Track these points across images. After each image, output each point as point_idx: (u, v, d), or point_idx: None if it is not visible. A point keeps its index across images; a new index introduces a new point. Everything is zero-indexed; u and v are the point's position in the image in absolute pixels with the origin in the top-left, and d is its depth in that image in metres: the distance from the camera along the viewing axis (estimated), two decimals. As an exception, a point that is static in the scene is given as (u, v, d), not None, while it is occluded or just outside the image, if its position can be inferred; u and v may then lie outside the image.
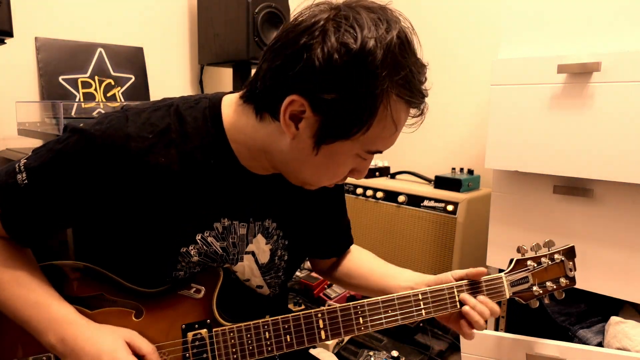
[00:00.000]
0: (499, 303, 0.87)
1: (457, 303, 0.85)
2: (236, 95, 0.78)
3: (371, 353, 1.60)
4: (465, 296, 0.84)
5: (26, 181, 0.72)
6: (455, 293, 0.85)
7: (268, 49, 0.70)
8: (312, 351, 1.06)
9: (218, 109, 0.77)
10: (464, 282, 0.86)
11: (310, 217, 0.92)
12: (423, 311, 0.83)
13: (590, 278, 1.38)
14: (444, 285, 0.85)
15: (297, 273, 2.08)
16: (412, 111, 0.71)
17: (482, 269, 0.85)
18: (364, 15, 0.64)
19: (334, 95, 0.64)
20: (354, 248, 1.08)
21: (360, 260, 1.03)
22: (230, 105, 0.78)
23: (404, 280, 0.91)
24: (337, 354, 1.63)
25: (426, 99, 0.72)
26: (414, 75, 0.67)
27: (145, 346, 0.74)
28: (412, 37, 0.68)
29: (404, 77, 0.65)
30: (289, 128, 0.69)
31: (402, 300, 0.82)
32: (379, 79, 0.63)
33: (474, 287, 0.86)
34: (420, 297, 0.83)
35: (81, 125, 0.73)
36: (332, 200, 0.98)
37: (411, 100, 0.68)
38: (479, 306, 0.83)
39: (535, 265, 0.89)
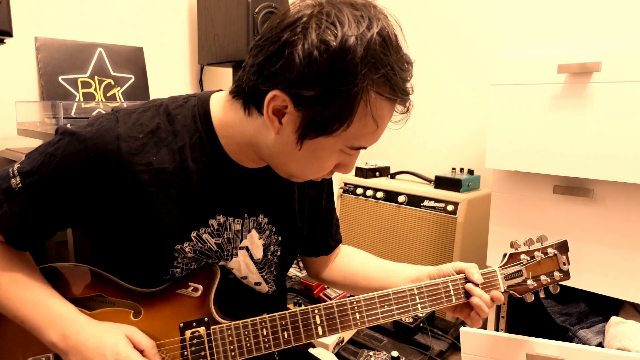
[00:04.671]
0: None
1: (453, 297, 0.85)
2: (225, 92, 0.79)
3: (371, 353, 1.59)
4: (470, 286, 0.85)
5: (20, 185, 0.73)
6: (450, 287, 0.85)
7: (253, 44, 0.71)
8: (311, 350, 1.06)
9: (207, 106, 0.78)
10: (460, 275, 0.87)
11: (301, 214, 0.93)
12: (419, 305, 0.83)
13: (590, 278, 1.37)
14: (439, 280, 0.86)
15: (297, 273, 2.07)
16: (399, 107, 0.72)
17: (478, 279, 0.86)
18: (345, 12, 0.65)
19: (313, 92, 0.65)
20: (348, 249, 1.08)
21: (357, 260, 1.03)
22: (218, 102, 0.79)
23: (405, 277, 0.92)
24: (337, 354, 1.63)
25: (411, 97, 0.72)
26: (395, 73, 0.66)
27: (145, 341, 0.74)
28: (396, 34, 0.68)
29: (384, 75, 0.65)
30: (272, 123, 0.70)
31: (397, 295, 0.83)
32: (358, 77, 0.64)
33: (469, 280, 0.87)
34: (415, 291, 0.83)
35: (72, 127, 0.73)
36: (322, 197, 0.98)
37: (392, 97, 0.68)
38: (484, 295, 0.85)
39: (529, 259, 0.90)
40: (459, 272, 0.88)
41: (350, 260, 1.05)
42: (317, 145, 0.70)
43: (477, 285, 0.85)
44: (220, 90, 0.83)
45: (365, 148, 0.74)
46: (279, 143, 0.72)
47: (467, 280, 0.86)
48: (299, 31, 0.65)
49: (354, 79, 0.64)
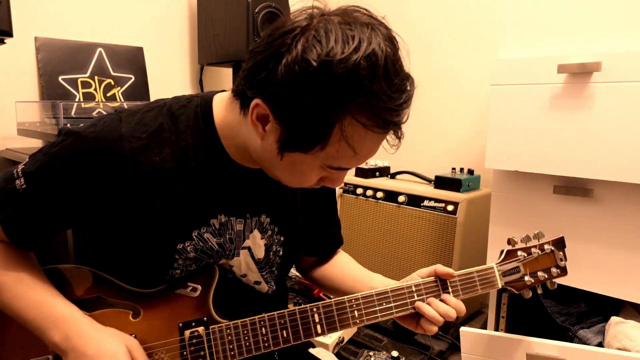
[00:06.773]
0: (499, 302, 0.86)
1: (450, 293, 0.84)
2: (228, 92, 0.79)
3: (371, 353, 1.59)
4: (432, 300, 0.82)
5: (24, 186, 0.73)
6: (449, 285, 0.85)
7: (251, 48, 0.70)
8: (311, 350, 1.06)
9: (209, 106, 0.78)
10: (457, 272, 0.85)
11: (303, 214, 0.93)
12: (417, 303, 0.83)
13: (590, 278, 1.37)
14: (434, 277, 0.85)
15: (297, 273, 2.07)
16: (389, 135, 0.69)
17: (450, 271, 0.84)
18: (336, 30, 0.62)
19: (290, 109, 0.64)
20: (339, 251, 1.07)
21: (340, 263, 1.02)
22: (221, 102, 0.79)
23: (374, 285, 0.89)
24: (337, 354, 1.63)
25: (403, 126, 0.68)
26: (380, 101, 0.61)
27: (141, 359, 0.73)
28: (393, 59, 0.63)
29: (365, 102, 0.61)
30: (256, 128, 0.70)
31: (395, 293, 0.83)
32: (334, 100, 0.61)
33: (465, 280, 0.86)
34: (413, 289, 0.83)
35: (75, 128, 0.74)
36: (325, 198, 0.98)
37: (371, 126, 0.64)
38: (442, 307, 0.82)
39: (526, 255, 0.90)
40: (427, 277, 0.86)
41: (336, 262, 1.03)
42: (296, 159, 0.70)
43: (451, 276, 0.84)
44: (224, 90, 0.83)
45: (347, 169, 0.73)
46: (264, 149, 0.72)
47: (439, 277, 0.84)
48: (287, 43, 0.63)
49: (330, 102, 0.61)
